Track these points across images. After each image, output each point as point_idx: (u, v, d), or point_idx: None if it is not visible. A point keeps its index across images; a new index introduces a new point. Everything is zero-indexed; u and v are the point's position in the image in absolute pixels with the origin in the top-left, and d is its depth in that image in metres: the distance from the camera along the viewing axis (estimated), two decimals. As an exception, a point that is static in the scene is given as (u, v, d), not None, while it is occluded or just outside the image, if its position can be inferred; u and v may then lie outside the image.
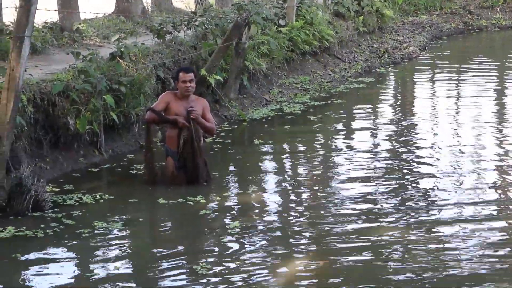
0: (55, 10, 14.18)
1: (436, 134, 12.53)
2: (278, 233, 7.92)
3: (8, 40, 9.98)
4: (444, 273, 6.81)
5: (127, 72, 10.94)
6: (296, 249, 7.45)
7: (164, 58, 12.20)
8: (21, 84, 8.26)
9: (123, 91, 10.63)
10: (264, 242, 7.65)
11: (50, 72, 10.45)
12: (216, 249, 7.55)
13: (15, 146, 8.78)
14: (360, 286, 6.48)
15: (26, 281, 6.79)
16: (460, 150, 11.53)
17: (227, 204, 8.81)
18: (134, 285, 6.82)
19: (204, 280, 6.62)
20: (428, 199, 9.14)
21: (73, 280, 6.78)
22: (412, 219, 8.30)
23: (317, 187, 9.62)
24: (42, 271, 6.91)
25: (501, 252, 7.46)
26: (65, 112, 9.87)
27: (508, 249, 7.54)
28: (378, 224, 8.16)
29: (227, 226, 8.13)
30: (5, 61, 8.88)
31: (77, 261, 7.25)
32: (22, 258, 7.08)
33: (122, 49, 11.21)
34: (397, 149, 11.54)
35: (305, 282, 6.63)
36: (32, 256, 7.19)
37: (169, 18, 14.81)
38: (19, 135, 9.02)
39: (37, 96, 9.63)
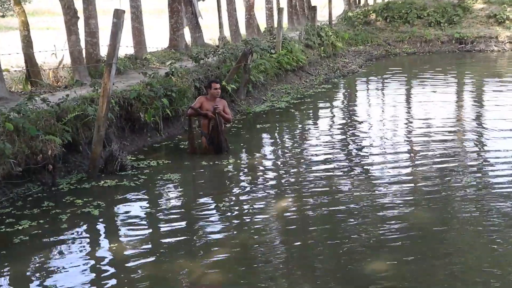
0: (132, 46, 14.64)
1: (370, 117, 13.10)
2: (273, 182, 8.41)
3: (103, 66, 10.21)
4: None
5: (176, 84, 11.33)
6: (283, 190, 8.01)
7: (199, 75, 12.60)
8: (111, 93, 8.69)
9: (174, 96, 11.02)
10: (264, 185, 8.21)
11: (128, 85, 10.84)
12: (234, 190, 8.18)
13: (108, 131, 9.10)
14: (325, 212, 7.00)
15: (125, 207, 7.56)
16: (384, 125, 12.29)
17: (240, 164, 9.29)
18: (183, 210, 7.40)
19: (226, 210, 7.24)
20: (363, 153, 9.80)
21: (150, 205, 7.64)
22: (356, 170, 8.82)
23: (296, 151, 10.17)
24: (129, 204, 7.64)
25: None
26: (138, 109, 10.31)
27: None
28: (334, 172, 8.65)
29: (241, 178, 8.77)
30: (101, 79, 9.28)
31: (150, 197, 7.95)
32: (119, 197, 7.83)
33: (173, 70, 11.62)
34: (346, 127, 12.05)
35: (290, 213, 7.05)
36: (123, 195, 7.89)
37: (202, 50, 15.19)
38: (110, 124, 9.42)
39: (121, 100, 10.08)
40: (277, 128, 12.05)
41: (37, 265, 5.88)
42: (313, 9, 22.02)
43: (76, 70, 11.59)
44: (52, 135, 8.19)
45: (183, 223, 6.95)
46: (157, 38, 17.15)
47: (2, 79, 10.10)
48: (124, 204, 7.67)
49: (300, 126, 12.36)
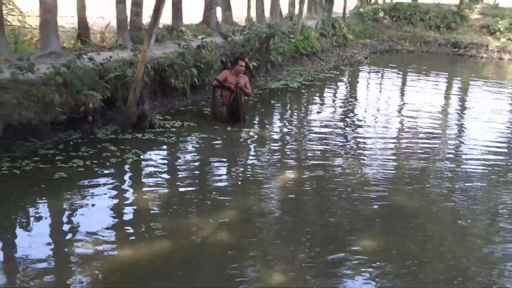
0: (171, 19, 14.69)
1: (367, 102, 13.12)
2: (279, 154, 8.39)
3: (144, 33, 10.22)
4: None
5: (205, 56, 11.19)
6: (287, 162, 8.00)
7: (226, 51, 12.42)
8: (148, 59, 8.64)
9: (202, 67, 10.92)
10: (271, 155, 8.19)
11: (164, 53, 10.67)
12: (245, 157, 8.22)
13: (142, 92, 8.98)
14: (320, 186, 7.02)
15: (150, 159, 7.57)
16: (378, 111, 12.26)
17: (253, 134, 9.20)
18: (199, 169, 7.44)
19: (236, 175, 7.27)
20: (358, 135, 9.57)
21: (172, 160, 7.65)
22: (350, 151, 8.73)
23: (302, 127, 10.10)
24: (154, 157, 7.71)
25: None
26: (170, 76, 10.20)
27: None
28: (331, 149, 8.56)
29: (253, 147, 8.73)
30: (141, 45, 9.25)
31: (173, 153, 7.99)
32: (147, 150, 7.85)
33: (204, 43, 11.54)
34: (347, 110, 11.96)
35: (289, 184, 6.99)
36: (151, 148, 7.94)
37: (230, 28, 15.16)
38: (144, 86, 9.23)
39: (156, 66, 9.98)
40: (288, 105, 11.93)
41: (68, 202, 5.96)
42: (331, 2, 21.67)
43: (121, 34, 11.49)
44: (94, 91, 8.24)
45: (198, 181, 6.97)
46: (192, 12, 16.89)
47: (57, 36, 10.02)
48: (150, 156, 7.69)
49: (308, 105, 12.26)
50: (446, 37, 26.21)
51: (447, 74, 19.29)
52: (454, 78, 18.87)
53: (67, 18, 11.79)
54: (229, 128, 9.31)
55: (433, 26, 27.06)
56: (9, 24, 12.15)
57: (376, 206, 6.48)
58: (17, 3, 13.14)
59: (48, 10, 9.88)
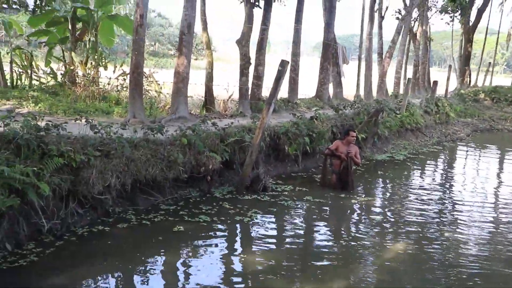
0: (287, 92, 14.49)
1: (465, 179, 11.45)
2: (386, 224, 7.32)
3: (263, 103, 10.05)
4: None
5: (317, 126, 10.66)
6: (392, 232, 6.92)
7: (336, 122, 11.81)
8: (265, 126, 8.27)
9: (314, 136, 10.35)
10: (378, 225, 7.14)
11: (279, 121, 10.43)
12: (353, 225, 7.31)
13: (258, 156, 8.64)
14: (421, 257, 6.02)
15: (261, 220, 6.89)
16: (475, 186, 10.55)
17: (362, 203, 8.26)
18: (306, 234, 6.71)
19: (342, 243, 6.48)
20: (456, 208, 8.29)
21: (281, 222, 6.88)
22: (447, 225, 7.55)
23: (407, 198, 8.71)
24: (265, 218, 7.02)
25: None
26: (284, 143, 9.75)
27: None
28: (431, 220, 7.57)
29: (361, 212, 7.86)
30: (260, 113, 8.96)
31: (283, 216, 7.22)
32: (258, 211, 7.21)
33: (317, 115, 11.08)
34: (446, 183, 10.57)
35: (394, 255, 6.12)
36: (263, 210, 7.26)
37: (341, 102, 14.70)
38: (260, 151, 8.94)
39: (272, 133, 9.64)
40: (393, 175, 10.90)
41: (182, 256, 5.64)
42: (435, 83, 20.51)
43: (242, 103, 11.32)
44: (215, 153, 7.91)
45: (305, 246, 6.26)
46: (306, 88, 16.56)
47: (186, 103, 10.02)
48: (263, 218, 7.07)
49: (413, 177, 11.11)
50: (546, 119, 24.07)
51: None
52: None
53: (196, 85, 11.84)
54: (338, 195, 8.58)
55: (533, 108, 25.06)
56: (147, 93, 12.45)
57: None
58: (156, 75, 13.57)
59: (181, 80, 9.92)
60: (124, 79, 12.82)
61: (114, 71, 13.35)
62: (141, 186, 6.97)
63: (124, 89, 12.59)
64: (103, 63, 13.34)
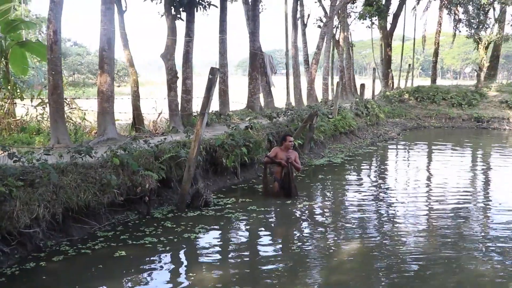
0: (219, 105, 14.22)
1: (406, 173, 11.74)
2: (331, 226, 7.26)
3: (194, 118, 9.79)
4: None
5: (253, 136, 10.49)
6: (338, 234, 6.87)
7: (272, 130, 11.75)
8: (201, 139, 7.95)
9: (251, 146, 10.19)
10: (324, 229, 7.10)
11: (214, 135, 10.20)
12: (298, 231, 7.18)
13: (195, 171, 8.42)
14: (365, 253, 6.06)
15: (205, 236, 6.58)
16: (410, 180, 10.82)
17: (305, 208, 8.15)
18: (253, 245, 6.48)
19: (290, 250, 6.32)
20: (395, 204, 8.41)
21: (226, 236, 6.63)
22: (387, 222, 7.73)
23: (349, 199, 8.91)
24: (208, 234, 6.75)
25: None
26: (221, 155, 9.53)
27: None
28: (371, 219, 7.62)
29: (307, 217, 7.73)
30: (194, 127, 8.69)
31: (227, 230, 6.98)
32: (202, 227, 6.89)
33: (252, 124, 10.93)
34: (386, 181, 10.74)
35: (341, 255, 6.15)
36: (206, 226, 6.96)
37: (274, 111, 14.65)
38: (197, 166, 8.69)
39: (208, 146, 9.38)
40: (332, 178, 10.93)
41: (126, 282, 5.18)
42: (362, 86, 21.11)
43: (172, 119, 10.98)
44: (150, 171, 7.53)
45: (251, 258, 5.98)
46: (236, 99, 16.42)
47: (114, 124, 9.55)
48: (207, 234, 6.76)
49: (352, 178, 11.20)
50: (468, 113, 25.34)
51: (472, 146, 18.04)
52: (480, 149, 17.55)
53: (121, 108, 11.33)
54: (281, 203, 8.45)
55: (455, 104, 26.26)
56: (70, 120, 11.80)
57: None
58: (78, 102, 12.93)
59: (106, 100, 9.49)
60: (44, 108, 12.08)
61: (32, 101, 12.55)
62: (74, 214, 6.45)
63: (45, 118, 11.85)
64: (18, 94, 12.49)
